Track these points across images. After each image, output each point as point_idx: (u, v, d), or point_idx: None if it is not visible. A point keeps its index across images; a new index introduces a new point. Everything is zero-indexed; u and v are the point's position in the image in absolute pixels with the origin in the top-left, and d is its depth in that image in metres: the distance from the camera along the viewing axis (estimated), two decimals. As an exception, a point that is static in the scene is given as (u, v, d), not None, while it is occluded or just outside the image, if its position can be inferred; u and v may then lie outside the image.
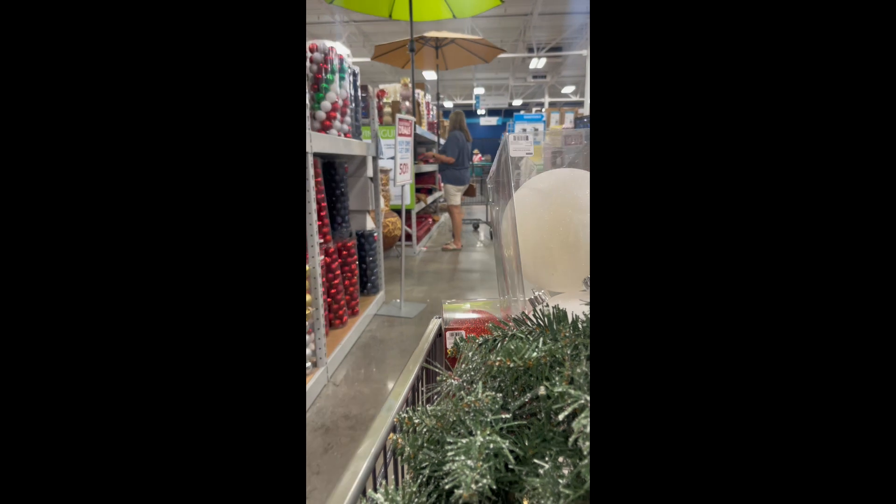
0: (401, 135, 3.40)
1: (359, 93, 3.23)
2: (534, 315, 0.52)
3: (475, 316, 0.78)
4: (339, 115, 2.69)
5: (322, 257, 2.48)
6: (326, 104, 2.60)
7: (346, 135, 2.82)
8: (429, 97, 7.46)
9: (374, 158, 3.60)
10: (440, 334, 0.78)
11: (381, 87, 5.80)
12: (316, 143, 2.26)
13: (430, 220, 7.13)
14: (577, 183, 0.80)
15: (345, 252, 2.96)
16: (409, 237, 5.54)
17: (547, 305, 0.52)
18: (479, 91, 19.24)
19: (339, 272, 2.79)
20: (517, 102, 21.60)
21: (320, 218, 2.55)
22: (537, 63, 13.33)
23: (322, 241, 2.53)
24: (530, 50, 13.04)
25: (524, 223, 0.78)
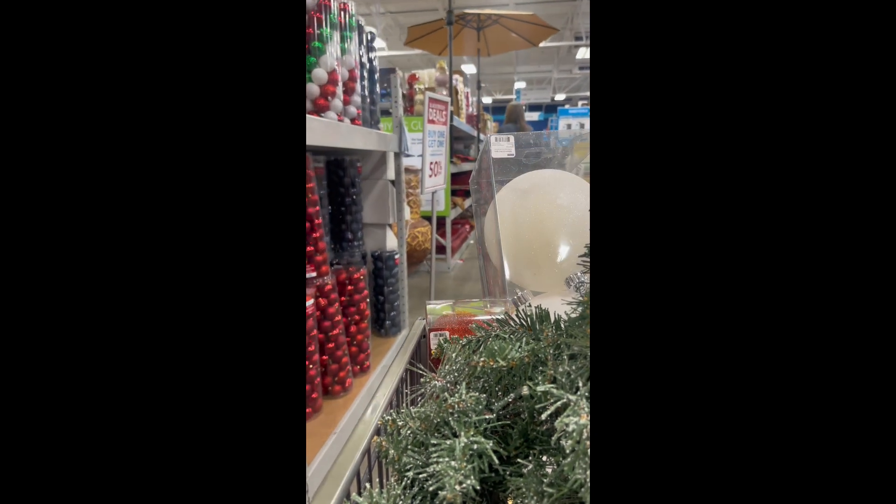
0: (431, 122, 2.73)
1: (376, 64, 2.54)
2: (517, 315, 0.56)
3: (459, 317, 0.81)
4: (340, 93, 1.97)
5: (313, 301, 1.87)
6: (321, 73, 1.85)
7: (353, 121, 2.13)
8: (468, 89, 7.19)
9: (398, 155, 2.86)
10: (424, 335, 0.83)
11: (414, 72, 5.42)
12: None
13: (468, 226, 6.74)
14: (558, 183, 0.84)
15: (350, 287, 2.28)
16: (441, 249, 5.22)
17: (529, 305, 0.56)
18: (520, 85, 19.20)
19: (339, 317, 2.06)
20: (560, 97, 21.46)
21: (312, 242, 1.91)
22: (585, 53, 13.19)
23: (314, 274, 1.93)
24: (578, 38, 12.94)
25: (506, 224, 0.83)
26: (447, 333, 0.79)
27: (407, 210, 3.14)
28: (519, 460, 0.45)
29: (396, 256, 2.87)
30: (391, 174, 2.90)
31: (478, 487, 0.40)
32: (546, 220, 0.82)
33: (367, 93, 2.51)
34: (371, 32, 2.51)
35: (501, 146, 0.85)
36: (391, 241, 2.98)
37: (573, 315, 0.51)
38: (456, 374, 0.54)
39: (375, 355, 2.53)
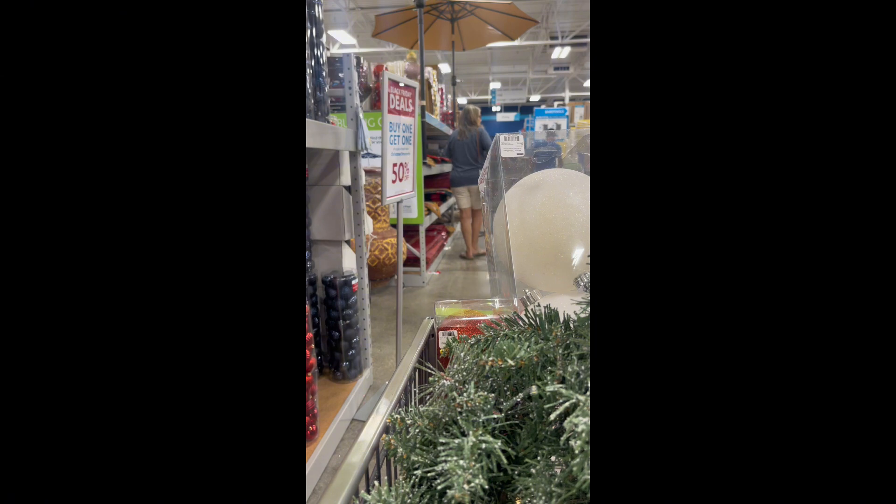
0: (395, 112, 2.18)
1: (323, 39, 2.11)
2: (525, 315, 0.57)
3: (468, 317, 0.82)
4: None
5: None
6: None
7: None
8: (443, 85, 6.88)
9: (354, 155, 2.39)
10: (433, 334, 0.83)
11: (382, 63, 4.95)
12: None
13: (444, 233, 6.40)
14: (568, 183, 0.85)
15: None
16: (414, 261, 4.71)
17: (538, 305, 0.57)
18: (495, 86, 19.38)
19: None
20: (535, 98, 21.83)
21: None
22: (560, 52, 13.33)
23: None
24: (553, 37, 13.06)
25: (515, 223, 0.83)
26: (456, 332, 0.79)
27: (369, 222, 2.62)
28: (527, 460, 0.45)
29: (354, 282, 2.37)
30: (346, 179, 2.39)
31: (486, 487, 0.41)
32: (554, 220, 0.82)
33: (312, 77, 2.10)
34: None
35: (510, 145, 0.87)
36: (348, 262, 2.46)
37: (582, 315, 0.51)
38: (464, 373, 0.54)
39: (328, 409, 2.02)
